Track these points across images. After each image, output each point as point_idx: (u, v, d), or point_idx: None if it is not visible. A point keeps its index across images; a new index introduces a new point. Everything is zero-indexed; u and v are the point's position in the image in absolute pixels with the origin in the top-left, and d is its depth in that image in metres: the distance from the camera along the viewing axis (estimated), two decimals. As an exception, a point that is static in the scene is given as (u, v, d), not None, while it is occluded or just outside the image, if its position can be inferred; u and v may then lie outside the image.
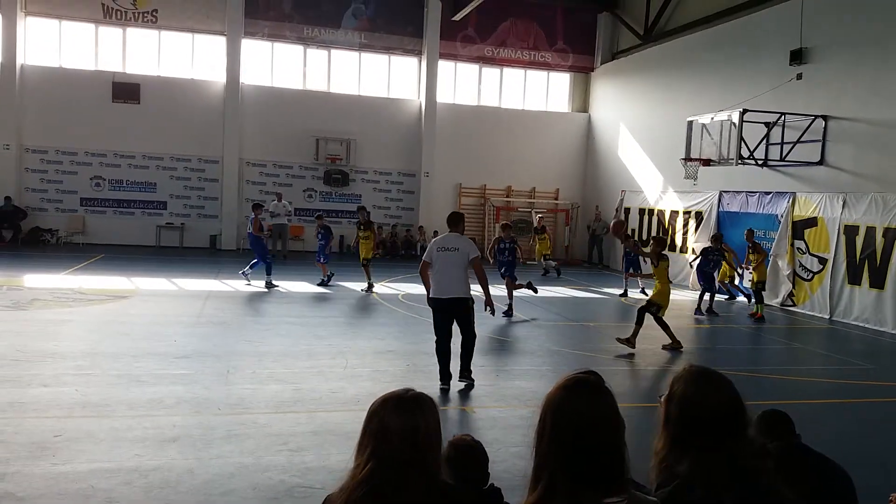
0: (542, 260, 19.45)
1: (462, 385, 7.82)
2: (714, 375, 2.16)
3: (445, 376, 7.75)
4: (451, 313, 7.71)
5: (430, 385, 7.71)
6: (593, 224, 23.33)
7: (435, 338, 7.82)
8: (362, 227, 15.40)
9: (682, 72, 19.38)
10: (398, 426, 1.97)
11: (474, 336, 7.88)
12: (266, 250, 15.36)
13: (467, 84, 24.30)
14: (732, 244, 16.11)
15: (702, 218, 18.26)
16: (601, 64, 24.30)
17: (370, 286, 14.86)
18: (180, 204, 21.88)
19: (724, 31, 17.78)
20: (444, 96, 23.58)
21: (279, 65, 22.66)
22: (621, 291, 16.46)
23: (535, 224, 19.88)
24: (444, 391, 7.67)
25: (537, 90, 24.91)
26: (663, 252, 10.64)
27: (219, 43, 21.88)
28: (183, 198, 21.90)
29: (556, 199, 24.69)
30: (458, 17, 21.83)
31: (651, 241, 12.44)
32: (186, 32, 21.79)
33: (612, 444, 1.89)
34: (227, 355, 8.93)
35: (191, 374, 7.92)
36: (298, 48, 22.67)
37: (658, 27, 21.04)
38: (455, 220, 8.03)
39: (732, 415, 2.07)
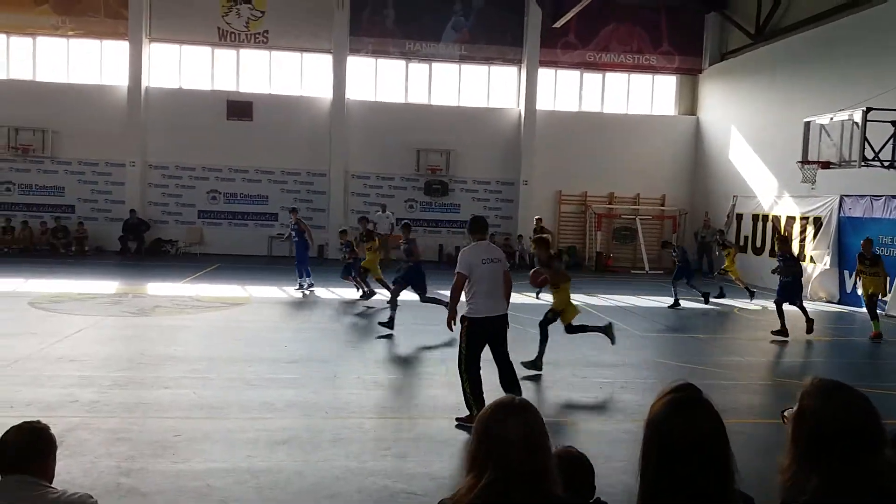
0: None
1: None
2: (846, 388, 2.00)
3: (481, 403, 6.28)
4: (495, 334, 6.76)
5: (528, 396, 7.62)
6: (701, 231, 22.43)
7: (468, 362, 6.62)
8: (365, 239, 14.59)
9: (797, 71, 18.35)
10: (513, 433, 1.94)
11: None
12: (305, 254, 15.57)
13: (568, 90, 24.02)
14: (853, 250, 15.05)
15: (821, 224, 17.18)
16: (709, 65, 23.41)
17: (366, 294, 14.29)
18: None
19: (844, 27, 16.70)
20: (544, 103, 23.41)
21: (382, 79, 23.23)
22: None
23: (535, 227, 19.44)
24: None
25: (642, 94, 24.29)
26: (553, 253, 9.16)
27: (326, 61, 22.69)
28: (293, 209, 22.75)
29: (663, 205, 23.93)
30: (558, 25, 21.64)
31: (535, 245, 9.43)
32: (295, 52, 22.73)
33: (717, 458, 1.82)
34: (333, 360, 9.19)
35: (299, 378, 8.20)
36: (401, 63, 23.17)
37: (770, 25, 20.03)
38: (484, 227, 7.11)
39: (868, 430, 1.91)
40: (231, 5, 22.21)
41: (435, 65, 23.27)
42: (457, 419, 6.64)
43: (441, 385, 8.20)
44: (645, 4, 23.36)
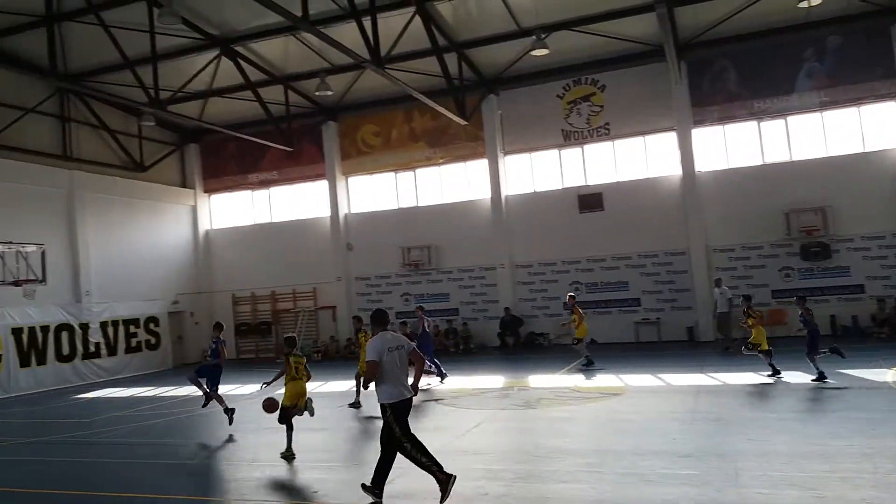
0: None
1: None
2: None
3: (436, 462, 7.34)
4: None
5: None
6: None
7: (410, 439, 7.34)
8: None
9: None
10: None
11: None
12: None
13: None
14: None
15: None
16: None
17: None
18: (653, 299, 22.43)
19: None
20: (940, 136, 19.70)
21: (732, 145, 22.07)
22: None
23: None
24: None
25: None
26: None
27: (669, 139, 22.48)
28: (654, 293, 22.42)
29: None
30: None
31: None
32: (637, 136, 22.99)
33: None
34: (730, 454, 8.47)
35: (698, 474, 7.71)
36: (751, 124, 21.80)
37: None
38: (385, 319, 7.75)
39: None
40: (571, 107, 23.54)
41: (790, 118, 21.39)
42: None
43: (869, 485, 6.97)
44: None
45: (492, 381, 16.53)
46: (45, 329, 21.14)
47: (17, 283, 18.69)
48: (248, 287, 27.53)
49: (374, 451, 10.51)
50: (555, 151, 24.02)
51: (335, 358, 24.63)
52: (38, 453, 11.88)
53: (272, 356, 26.36)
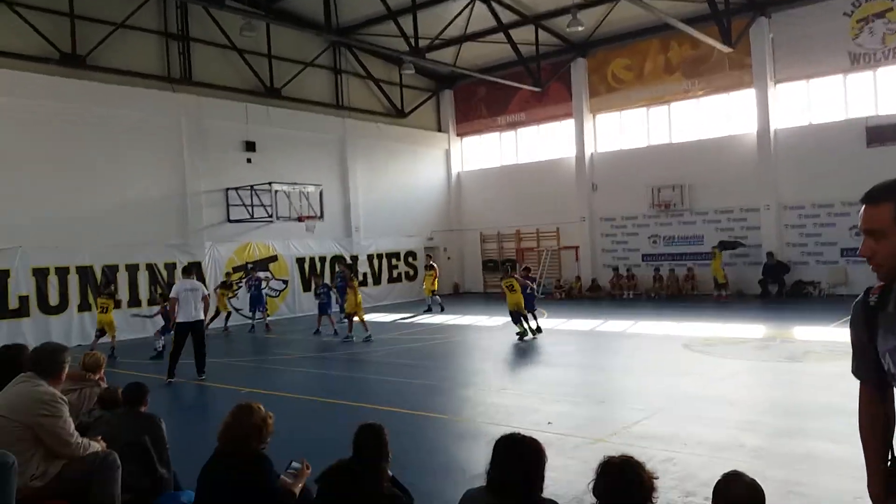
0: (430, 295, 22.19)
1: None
2: None
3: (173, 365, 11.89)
4: (193, 331, 11.87)
5: None
6: None
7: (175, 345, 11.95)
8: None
9: None
10: None
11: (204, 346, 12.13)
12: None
13: None
14: None
15: None
16: None
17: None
18: (956, 248, 18.96)
19: None
20: None
21: None
22: None
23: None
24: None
25: None
26: None
27: None
28: (959, 240, 18.93)
29: None
30: None
31: None
32: (949, 53, 19.23)
33: None
34: None
35: None
36: None
37: None
38: (190, 270, 12.94)
39: None
40: (862, 25, 20.28)
41: None
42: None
43: None
44: None
45: (751, 330, 15.30)
46: (322, 259, 23.96)
47: (300, 219, 21.36)
48: (495, 226, 28.42)
49: (615, 392, 10.38)
50: (838, 77, 21.01)
51: (579, 297, 24.61)
52: (319, 366, 13.58)
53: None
